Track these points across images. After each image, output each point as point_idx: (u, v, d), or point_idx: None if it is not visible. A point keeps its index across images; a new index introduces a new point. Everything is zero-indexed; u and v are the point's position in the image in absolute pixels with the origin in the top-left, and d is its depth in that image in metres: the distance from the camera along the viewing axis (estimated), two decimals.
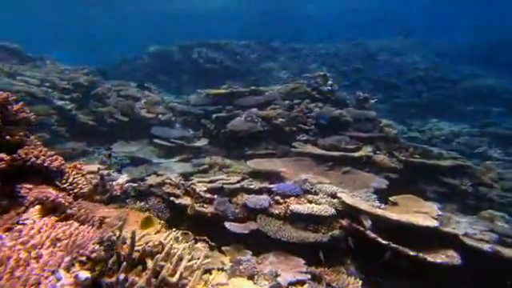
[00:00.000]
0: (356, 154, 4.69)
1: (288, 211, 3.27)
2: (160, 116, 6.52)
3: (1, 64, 6.87)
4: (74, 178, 1.71)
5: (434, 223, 3.02)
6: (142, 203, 3.31)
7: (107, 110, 6.11)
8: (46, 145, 5.29)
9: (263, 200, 3.35)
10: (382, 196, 3.88)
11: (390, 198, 3.84)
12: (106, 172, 2.92)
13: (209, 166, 4.78)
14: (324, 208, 3.25)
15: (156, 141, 5.87)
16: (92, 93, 6.39)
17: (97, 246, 1.23)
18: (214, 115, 6.29)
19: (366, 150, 4.85)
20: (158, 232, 2.53)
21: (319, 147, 5.05)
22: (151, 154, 5.84)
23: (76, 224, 1.28)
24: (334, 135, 5.16)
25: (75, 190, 1.66)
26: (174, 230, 2.50)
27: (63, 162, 1.73)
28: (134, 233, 1.79)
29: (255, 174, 4.30)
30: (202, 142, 6.10)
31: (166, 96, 11.23)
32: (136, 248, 1.99)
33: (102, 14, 23.45)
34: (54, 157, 1.65)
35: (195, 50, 12.86)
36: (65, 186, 1.60)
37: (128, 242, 1.75)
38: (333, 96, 5.91)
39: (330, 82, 5.91)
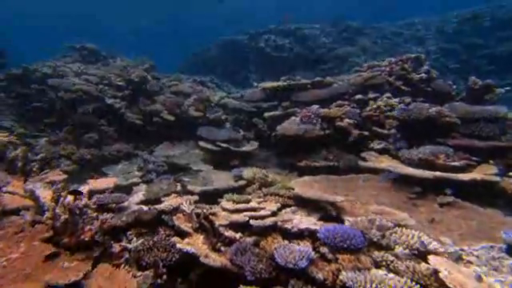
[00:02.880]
0: (466, 176, 2.99)
1: (338, 282, 2.04)
2: (209, 114, 5.83)
3: (72, 64, 7.24)
4: None
5: None
6: (143, 240, 2.55)
7: (154, 109, 5.71)
8: (93, 146, 5.19)
9: (300, 254, 2.19)
10: None
11: None
12: (82, 203, 2.21)
13: (247, 181, 3.81)
14: (402, 284, 1.90)
15: (200, 143, 5.19)
16: (142, 89, 6.09)
17: None
18: (266, 114, 5.26)
19: (486, 170, 3.09)
20: None
21: (402, 162, 3.51)
22: (195, 159, 5.19)
23: None
24: (427, 144, 3.53)
25: None
26: None
27: None
28: None
29: (303, 200, 3.13)
30: (252, 146, 5.15)
31: (232, 89, 10.71)
32: None
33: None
34: None
35: (263, 37, 11.93)
36: None
37: None
38: (428, 86, 4.16)
39: (425, 67, 4.16)
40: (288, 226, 2.54)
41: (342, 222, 2.65)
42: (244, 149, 5.09)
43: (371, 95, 4.48)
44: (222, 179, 4.32)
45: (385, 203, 2.92)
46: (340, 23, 11.98)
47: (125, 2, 24.97)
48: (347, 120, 4.26)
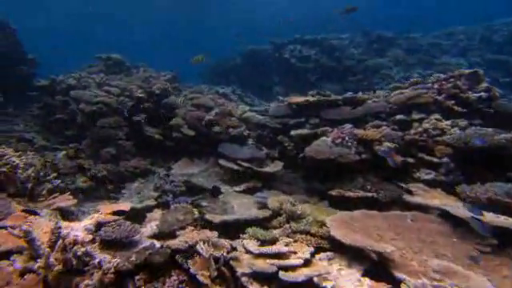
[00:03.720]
0: None
1: None
2: (230, 130, 5.45)
3: (95, 75, 7.17)
4: None
5: None
6: None
7: (175, 123, 5.43)
8: (110, 161, 4.95)
9: None
10: None
11: None
12: (81, 250, 1.86)
13: (272, 211, 3.35)
14: None
15: (221, 161, 4.82)
16: (163, 102, 5.85)
17: None
18: (293, 132, 4.81)
19: None
20: None
21: (462, 199, 2.93)
22: (214, 179, 4.82)
23: None
24: (492, 180, 2.93)
25: None
26: None
27: None
28: None
29: (341, 245, 2.63)
30: (276, 167, 4.70)
31: (255, 101, 10.36)
32: None
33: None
34: None
35: (288, 47, 11.55)
36: None
37: None
38: (489, 107, 3.56)
39: (484, 85, 3.57)
40: (327, 284, 2.06)
41: (394, 280, 2.13)
42: (267, 169, 4.65)
43: (415, 116, 3.93)
44: (243, 205, 3.90)
45: (446, 256, 2.36)
46: (370, 33, 11.38)
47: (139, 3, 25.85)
48: (387, 144, 3.73)
